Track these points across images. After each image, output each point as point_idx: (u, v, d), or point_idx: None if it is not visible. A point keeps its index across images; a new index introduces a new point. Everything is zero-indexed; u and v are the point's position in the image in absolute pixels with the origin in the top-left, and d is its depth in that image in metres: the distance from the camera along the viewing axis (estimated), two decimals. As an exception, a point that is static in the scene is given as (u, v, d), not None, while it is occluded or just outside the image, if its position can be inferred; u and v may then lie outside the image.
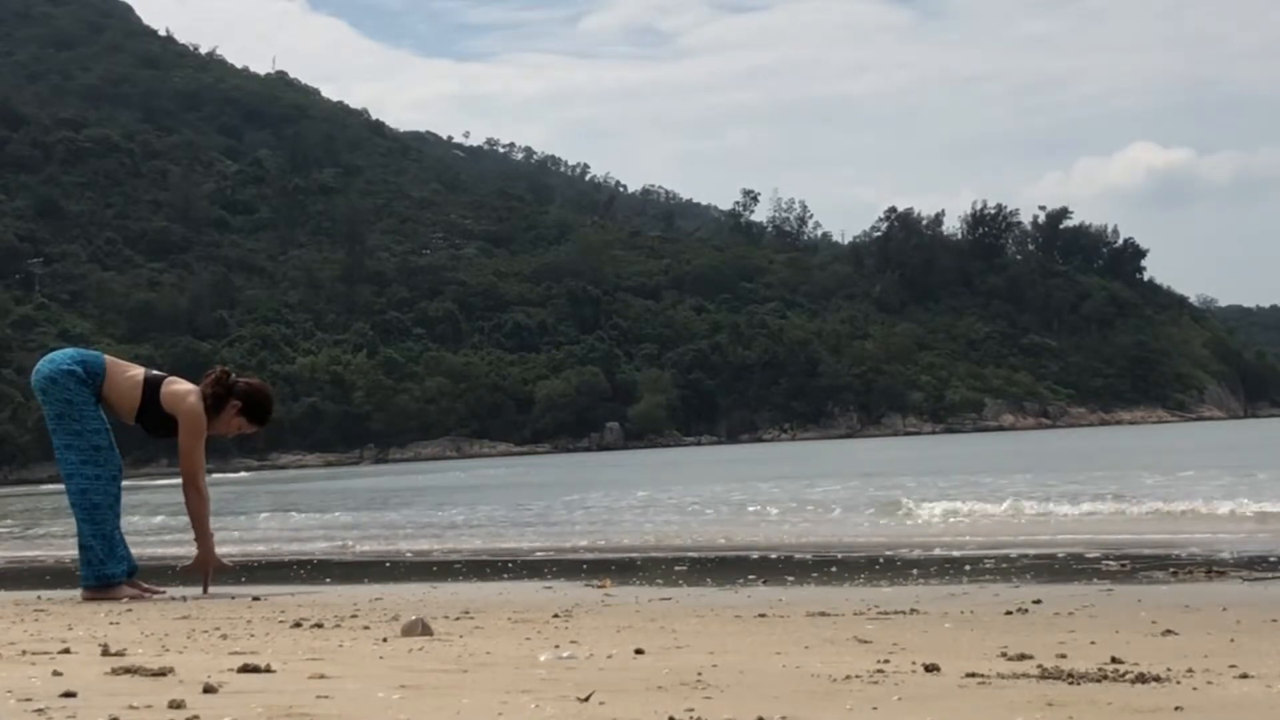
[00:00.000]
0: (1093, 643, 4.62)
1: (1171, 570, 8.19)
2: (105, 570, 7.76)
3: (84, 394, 7.79)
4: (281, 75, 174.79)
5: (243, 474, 72.12)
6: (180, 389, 7.84)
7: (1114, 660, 3.99)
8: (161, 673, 3.78)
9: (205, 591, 7.99)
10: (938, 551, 10.44)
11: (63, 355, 7.97)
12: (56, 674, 3.81)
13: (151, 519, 19.66)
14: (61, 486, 8.02)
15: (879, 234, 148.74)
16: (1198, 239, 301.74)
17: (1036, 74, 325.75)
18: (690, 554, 11.05)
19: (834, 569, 9.21)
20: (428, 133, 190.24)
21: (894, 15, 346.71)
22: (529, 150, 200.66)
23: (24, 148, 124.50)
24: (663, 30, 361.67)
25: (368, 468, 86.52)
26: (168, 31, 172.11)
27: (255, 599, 7.49)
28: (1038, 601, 6.45)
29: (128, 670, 3.85)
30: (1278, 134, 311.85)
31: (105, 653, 4.45)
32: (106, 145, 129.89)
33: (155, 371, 8.07)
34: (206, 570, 8.07)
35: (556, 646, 4.60)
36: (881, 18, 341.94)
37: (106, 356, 8.04)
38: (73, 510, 7.88)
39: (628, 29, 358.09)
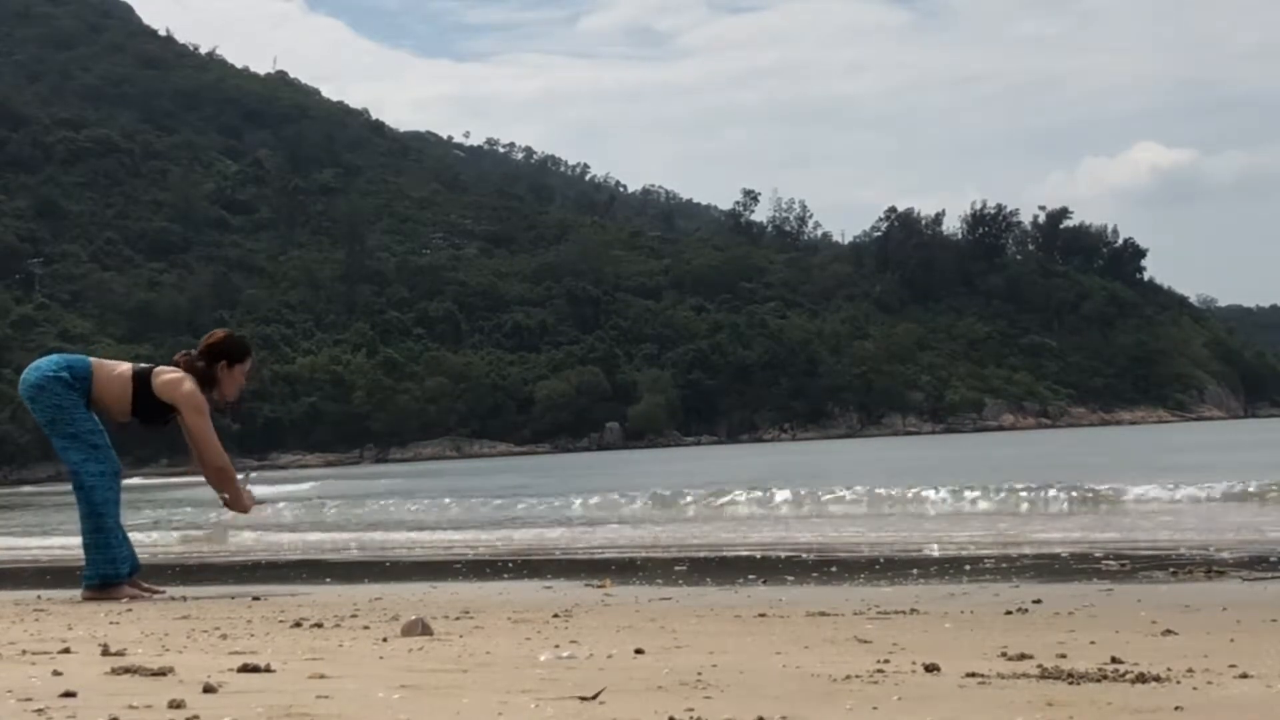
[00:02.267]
0: (1093, 643, 4.62)
1: (1171, 570, 8.19)
2: (110, 570, 7.75)
3: (72, 398, 7.80)
4: (281, 75, 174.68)
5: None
6: (173, 376, 7.85)
7: (1114, 660, 3.99)
8: (161, 673, 3.78)
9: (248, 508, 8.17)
10: (938, 551, 10.44)
11: (48, 362, 7.97)
12: (56, 674, 3.81)
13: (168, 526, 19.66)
14: (65, 486, 8.05)
15: (879, 234, 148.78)
16: (1197, 239, 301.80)
17: (1036, 74, 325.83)
18: (690, 554, 11.05)
19: (834, 569, 9.21)
20: (428, 133, 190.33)
21: (892, 15, 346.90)
22: (529, 150, 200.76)
23: (24, 148, 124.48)
24: (661, 30, 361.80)
25: (362, 469, 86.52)
26: (168, 31, 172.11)
27: (255, 599, 7.49)
28: (1038, 601, 6.45)
29: (128, 670, 3.85)
30: (1278, 134, 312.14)
31: (105, 653, 4.45)
32: (106, 145, 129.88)
33: (142, 365, 8.07)
34: (244, 507, 8.11)
35: (556, 646, 4.60)
36: (880, 17, 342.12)
37: (92, 359, 8.04)
38: (79, 507, 7.88)
39: (626, 29, 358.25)
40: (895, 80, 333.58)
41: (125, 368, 7.96)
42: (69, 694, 3.36)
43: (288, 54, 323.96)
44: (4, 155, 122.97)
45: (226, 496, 8.04)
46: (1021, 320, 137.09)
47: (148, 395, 7.83)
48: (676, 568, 9.69)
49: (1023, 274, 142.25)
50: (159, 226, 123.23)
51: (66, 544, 14.80)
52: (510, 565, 10.59)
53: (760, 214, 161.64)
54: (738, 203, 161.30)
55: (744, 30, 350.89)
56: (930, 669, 3.85)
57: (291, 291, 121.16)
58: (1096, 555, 9.41)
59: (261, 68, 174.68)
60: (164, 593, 7.94)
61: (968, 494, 16.51)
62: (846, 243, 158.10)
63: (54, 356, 8.12)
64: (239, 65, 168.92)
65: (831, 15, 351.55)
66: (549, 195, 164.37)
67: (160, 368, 7.97)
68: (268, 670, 3.87)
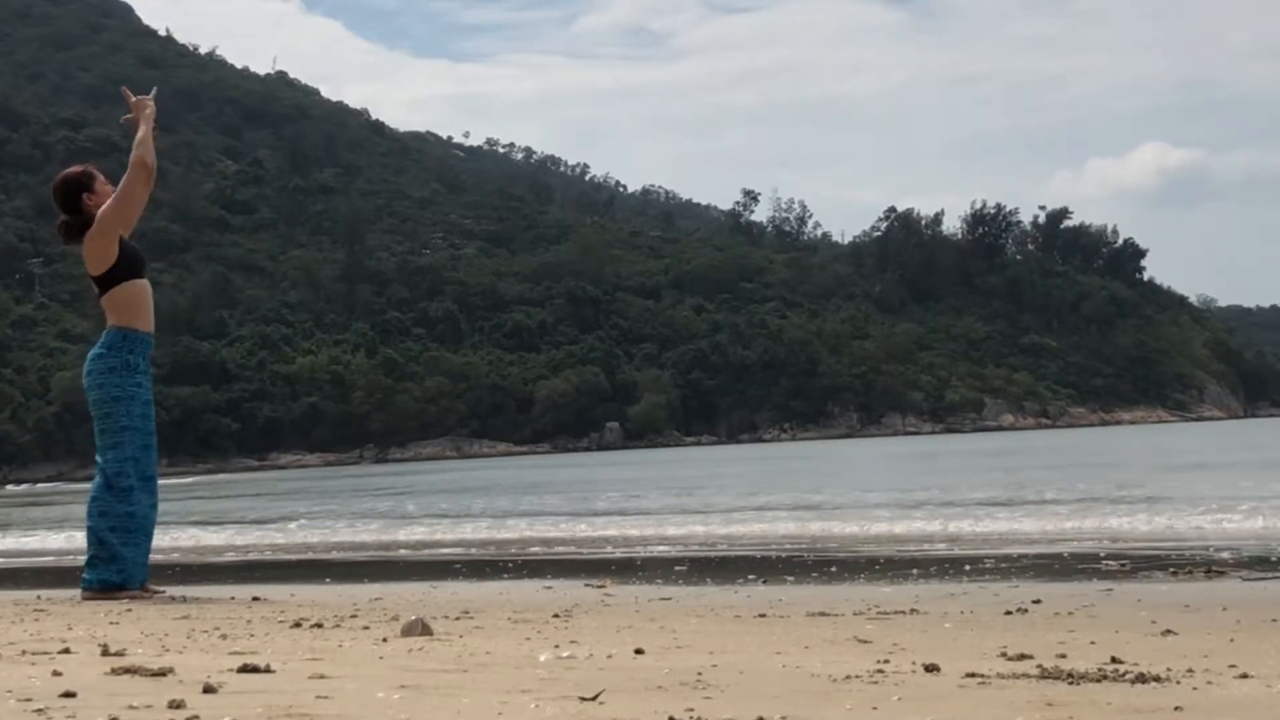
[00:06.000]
0: (1093, 643, 4.62)
1: (1171, 570, 8.19)
2: (116, 579, 7.59)
3: (130, 388, 7.80)
4: (281, 75, 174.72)
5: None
6: (88, 246, 7.92)
7: (1114, 660, 3.99)
8: (161, 673, 3.78)
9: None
10: (938, 551, 10.43)
11: (92, 354, 8.00)
12: (56, 674, 3.80)
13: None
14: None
15: (879, 234, 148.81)
16: (1196, 240, 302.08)
17: (1036, 74, 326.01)
18: (690, 554, 11.05)
19: (834, 569, 9.21)
20: (427, 133, 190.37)
21: (889, 15, 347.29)
22: (529, 150, 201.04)
23: (24, 148, 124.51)
24: (657, 31, 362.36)
25: (362, 469, 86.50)
26: (168, 31, 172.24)
27: (255, 599, 7.49)
28: (1038, 601, 6.45)
29: (128, 670, 3.84)
30: (1277, 134, 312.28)
31: (105, 653, 4.45)
32: (106, 145, 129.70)
33: (93, 280, 8.03)
34: (146, 113, 8.62)
35: (556, 646, 4.60)
36: (877, 17, 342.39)
37: (110, 325, 7.99)
38: (101, 504, 7.71)
39: (622, 30, 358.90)
40: (894, 80, 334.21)
41: (103, 294, 7.94)
42: (69, 694, 3.35)
43: (286, 54, 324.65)
44: (4, 155, 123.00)
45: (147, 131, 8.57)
46: (1021, 320, 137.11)
47: (117, 264, 7.93)
48: (676, 568, 9.69)
49: (1023, 274, 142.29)
50: (159, 226, 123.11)
51: (66, 544, 14.83)
52: (510, 565, 10.58)
53: (760, 214, 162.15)
54: (738, 203, 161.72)
55: (742, 30, 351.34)
56: (930, 669, 3.85)
57: (291, 291, 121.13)
58: (1096, 555, 9.41)
59: (261, 68, 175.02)
60: (164, 593, 7.90)
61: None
62: (846, 243, 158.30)
63: (95, 347, 8.06)
64: (239, 65, 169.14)
65: (827, 15, 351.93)
66: (549, 195, 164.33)
67: (85, 261, 7.97)
68: (268, 670, 3.87)
